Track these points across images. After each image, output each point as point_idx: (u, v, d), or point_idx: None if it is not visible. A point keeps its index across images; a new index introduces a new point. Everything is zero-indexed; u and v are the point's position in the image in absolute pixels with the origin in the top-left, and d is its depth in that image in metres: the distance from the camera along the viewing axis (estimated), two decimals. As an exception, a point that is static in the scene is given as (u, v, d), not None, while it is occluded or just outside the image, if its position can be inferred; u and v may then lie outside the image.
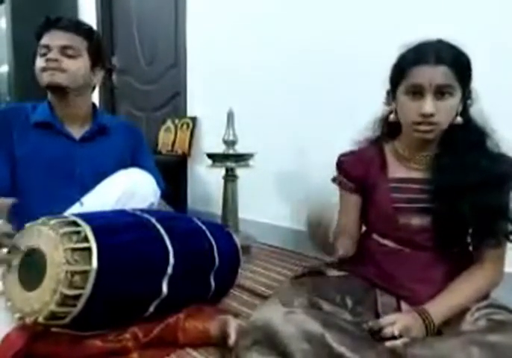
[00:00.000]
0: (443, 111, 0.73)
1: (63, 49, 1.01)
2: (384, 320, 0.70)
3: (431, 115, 0.72)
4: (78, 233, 0.70)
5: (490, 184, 0.72)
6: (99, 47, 1.10)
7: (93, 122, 1.11)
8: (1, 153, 1.00)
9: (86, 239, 0.69)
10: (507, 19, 1.06)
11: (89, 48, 1.05)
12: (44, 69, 1.01)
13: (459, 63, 0.73)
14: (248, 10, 1.76)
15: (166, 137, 2.21)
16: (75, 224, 0.72)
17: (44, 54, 1.01)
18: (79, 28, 1.04)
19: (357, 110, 1.25)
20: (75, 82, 1.03)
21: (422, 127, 0.74)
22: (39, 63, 1.02)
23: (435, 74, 0.71)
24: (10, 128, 1.02)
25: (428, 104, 0.71)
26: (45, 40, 1.01)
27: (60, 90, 1.03)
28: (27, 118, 1.04)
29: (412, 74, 0.73)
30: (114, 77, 2.73)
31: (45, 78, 1.01)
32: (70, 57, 1.01)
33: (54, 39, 1.01)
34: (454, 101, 0.73)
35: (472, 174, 0.73)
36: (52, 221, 0.71)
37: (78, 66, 1.03)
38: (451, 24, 1.09)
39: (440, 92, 0.72)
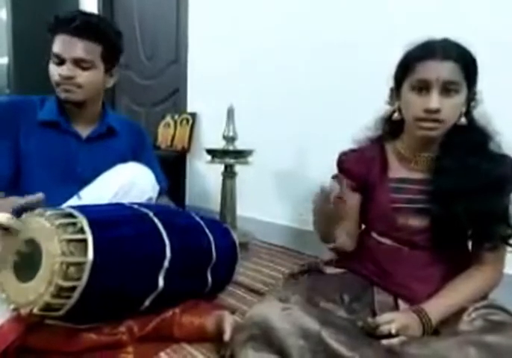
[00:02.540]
0: (448, 108, 0.72)
1: (77, 62, 0.97)
2: (381, 318, 0.70)
3: (436, 111, 0.71)
4: (74, 224, 0.69)
5: (489, 187, 0.72)
6: (116, 48, 1.05)
7: (101, 122, 1.10)
8: (5, 144, 0.99)
9: (82, 231, 0.68)
10: (510, 19, 1.06)
11: (103, 53, 1.00)
12: (58, 84, 0.98)
13: (466, 60, 0.72)
14: (250, 6, 1.75)
15: (166, 133, 2.20)
16: (71, 215, 0.72)
17: (57, 64, 0.98)
18: (93, 33, 0.97)
19: (358, 107, 1.25)
20: (90, 94, 1.02)
21: (427, 124, 0.73)
22: (53, 74, 0.98)
23: (442, 69, 0.70)
24: (18, 121, 1.00)
25: (434, 100, 0.71)
26: (57, 48, 0.97)
27: (76, 103, 1.02)
28: (34, 114, 1.03)
29: (418, 70, 0.73)
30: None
31: (61, 94, 0.99)
32: (84, 68, 0.98)
33: (67, 49, 0.96)
34: (459, 99, 0.73)
35: (472, 177, 0.73)
36: (48, 213, 0.71)
37: (93, 77, 1.00)
38: (454, 23, 1.09)
39: (446, 88, 0.71)
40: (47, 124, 1.02)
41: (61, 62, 0.97)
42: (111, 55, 1.04)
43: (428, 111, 0.72)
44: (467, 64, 0.72)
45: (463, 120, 0.76)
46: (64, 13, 0.98)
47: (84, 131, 1.07)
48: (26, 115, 1.02)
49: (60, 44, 0.97)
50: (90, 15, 1.03)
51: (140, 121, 2.52)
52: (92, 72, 0.99)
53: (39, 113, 1.03)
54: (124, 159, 1.07)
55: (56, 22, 0.97)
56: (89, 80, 0.99)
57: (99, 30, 0.99)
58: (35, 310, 0.66)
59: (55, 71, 0.98)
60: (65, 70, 0.96)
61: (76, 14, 0.99)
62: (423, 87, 0.72)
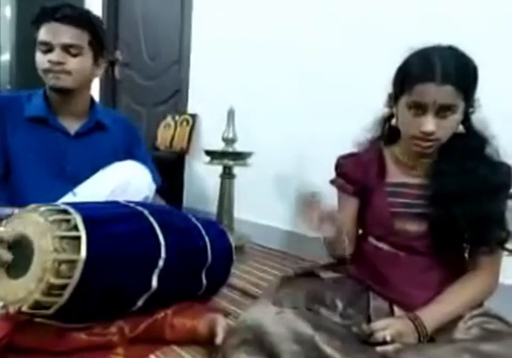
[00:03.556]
0: (444, 128, 0.72)
1: (66, 48, 0.96)
2: (377, 324, 0.69)
3: (432, 133, 0.71)
4: (68, 221, 0.68)
5: (487, 192, 0.72)
6: (102, 37, 1.05)
7: (90, 117, 1.09)
8: None
9: (75, 228, 0.67)
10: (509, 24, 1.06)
11: (91, 41, 1.00)
12: (48, 71, 0.97)
13: (466, 81, 0.70)
14: (253, 9, 1.75)
15: (166, 133, 2.19)
16: (65, 212, 0.71)
17: (45, 51, 0.97)
18: (80, 20, 0.98)
19: (358, 110, 1.24)
20: (79, 81, 1.01)
21: (422, 143, 0.73)
22: (42, 61, 0.97)
23: (440, 93, 0.68)
24: (4, 119, 0.99)
25: (430, 123, 0.70)
26: (45, 36, 0.96)
27: (64, 91, 1.01)
28: (21, 110, 1.01)
29: (416, 91, 0.70)
30: (117, 70, 2.71)
31: (50, 81, 0.99)
32: (74, 55, 0.97)
33: (56, 35, 0.95)
34: (456, 118, 0.72)
35: (469, 182, 0.72)
36: (42, 208, 0.70)
37: (82, 64, 1.00)
38: (454, 28, 1.09)
39: (443, 110, 0.70)
40: (34, 120, 1.01)
41: (49, 49, 0.96)
42: (98, 43, 1.04)
43: (423, 133, 0.71)
44: (466, 84, 0.70)
45: (461, 128, 0.75)
46: (50, 4, 0.98)
47: (73, 127, 1.06)
48: (12, 111, 1.01)
49: (47, 31, 0.96)
50: (75, 6, 1.03)
51: (141, 121, 2.52)
52: (81, 59, 0.99)
53: (26, 108, 1.02)
54: (115, 155, 1.06)
55: (42, 11, 0.97)
56: (79, 67, 0.99)
57: (85, 18, 1.00)
58: (24, 308, 0.64)
59: (44, 59, 0.97)
60: (54, 55, 0.96)
61: (62, 4, 0.99)
62: (419, 108, 0.71)
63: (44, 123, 1.02)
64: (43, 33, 0.97)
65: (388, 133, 0.86)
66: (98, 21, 1.05)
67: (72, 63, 0.98)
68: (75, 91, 1.03)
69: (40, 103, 1.03)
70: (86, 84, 1.07)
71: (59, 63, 0.96)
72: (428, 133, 0.71)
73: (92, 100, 1.12)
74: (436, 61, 0.70)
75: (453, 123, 0.72)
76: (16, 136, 1.00)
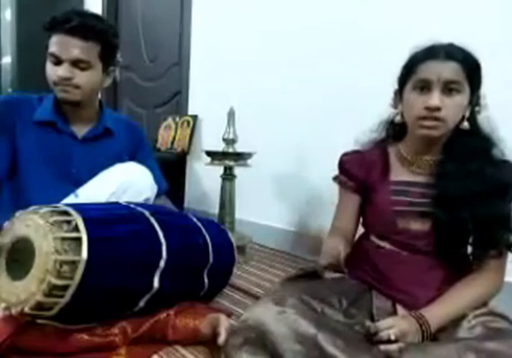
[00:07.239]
0: (450, 107, 0.72)
1: (75, 62, 0.95)
2: (382, 323, 0.68)
3: (437, 109, 0.71)
4: (69, 222, 0.68)
5: (493, 193, 0.71)
6: (113, 47, 1.03)
7: (98, 122, 1.09)
8: (1, 143, 0.98)
9: (76, 229, 0.67)
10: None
11: (101, 53, 0.99)
12: (56, 84, 0.97)
13: (468, 61, 0.72)
14: (252, 10, 1.76)
15: (166, 134, 2.20)
16: (66, 213, 0.70)
17: (55, 63, 0.96)
18: (91, 32, 0.95)
19: (359, 111, 1.24)
20: (88, 94, 1.01)
21: (427, 123, 0.73)
22: (51, 74, 0.97)
23: (444, 69, 0.71)
24: (14, 120, 1.00)
25: (435, 97, 0.71)
26: (55, 48, 0.95)
27: (73, 103, 1.01)
28: (32, 113, 1.02)
29: (421, 70, 0.73)
30: (117, 72, 2.71)
31: (58, 94, 0.99)
32: (82, 69, 0.97)
33: (65, 49, 0.94)
34: (461, 99, 0.72)
35: (474, 182, 0.72)
36: (43, 210, 0.70)
37: (91, 77, 0.99)
38: (460, 26, 1.09)
39: (448, 88, 0.71)
40: (43, 124, 1.02)
41: (58, 62, 0.96)
42: (109, 54, 1.03)
43: (428, 109, 0.71)
44: (469, 65, 0.72)
45: (466, 124, 0.75)
46: (61, 13, 0.96)
47: (81, 131, 1.06)
48: (23, 113, 1.01)
49: (57, 44, 0.95)
50: (86, 14, 1.00)
51: (142, 123, 2.53)
52: (90, 72, 0.98)
53: (36, 112, 1.02)
54: (120, 160, 1.06)
55: (53, 21, 0.95)
56: (87, 81, 0.98)
57: (96, 30, 0.97)
58: (26, 309, 0.64)
59: (53, 72, 0.97)
60: (62, 71, 0.95)
61: (73, 14, 0.96)
62: (425, 87, 0.73)
63: (52, 127, 1.03)
64: (53, 45, 0.95)
65: (393, 131, 0.86)
66: (110, 29, 1.02)
67: (81, 77, 0.97)
68: (84, 102, 1.02)
69: (50, 107, 1.03)
70: (96, 94, 1.07)
71: (67, 79, 0.96)
72: (433, 108, 0.71)
73: (101, 104, 1.12)
74: (439, 45, 0.74)
75: (458, 104, 0.73)
76: (25, 137, 1.00)
